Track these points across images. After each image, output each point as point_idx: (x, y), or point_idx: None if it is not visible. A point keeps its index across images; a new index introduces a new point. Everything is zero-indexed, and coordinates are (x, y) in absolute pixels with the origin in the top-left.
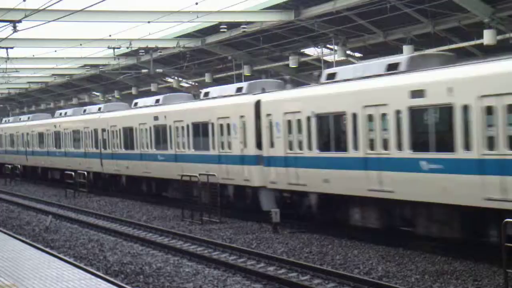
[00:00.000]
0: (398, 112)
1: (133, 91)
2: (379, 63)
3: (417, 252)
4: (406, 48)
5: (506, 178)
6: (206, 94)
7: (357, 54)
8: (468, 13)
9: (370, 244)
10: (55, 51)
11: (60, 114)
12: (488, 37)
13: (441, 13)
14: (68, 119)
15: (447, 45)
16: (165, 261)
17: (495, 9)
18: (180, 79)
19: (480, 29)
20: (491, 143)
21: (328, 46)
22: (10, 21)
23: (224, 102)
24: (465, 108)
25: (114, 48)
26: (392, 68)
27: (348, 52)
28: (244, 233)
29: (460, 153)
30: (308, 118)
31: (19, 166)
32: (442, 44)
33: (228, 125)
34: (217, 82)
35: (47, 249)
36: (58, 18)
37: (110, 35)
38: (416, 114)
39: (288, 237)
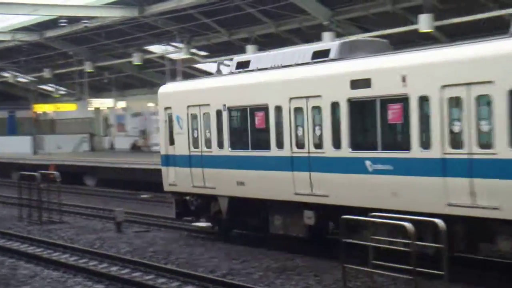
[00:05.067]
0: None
1: None
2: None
3: (261, 250)
4: (249, 48)
5: None
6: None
7: (202, 53)
8: (309, 15)
9: (215, 242)
10: None
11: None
12: (327, 39)
13: (283, 14)
14: None
15: (289, 45)
16: (0, 264)
17: (334, 12)
18: (17, 74)
19: (320, 31)
20: None
21: (172, 43)
22: None
23: None
24: None
25: None
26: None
27: (193, 50)
28: (87, 233)
29: None
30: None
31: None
32: (285, 45)
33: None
34: (57, 77)
35: None
36: None
37: None
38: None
39: (133, 236)
